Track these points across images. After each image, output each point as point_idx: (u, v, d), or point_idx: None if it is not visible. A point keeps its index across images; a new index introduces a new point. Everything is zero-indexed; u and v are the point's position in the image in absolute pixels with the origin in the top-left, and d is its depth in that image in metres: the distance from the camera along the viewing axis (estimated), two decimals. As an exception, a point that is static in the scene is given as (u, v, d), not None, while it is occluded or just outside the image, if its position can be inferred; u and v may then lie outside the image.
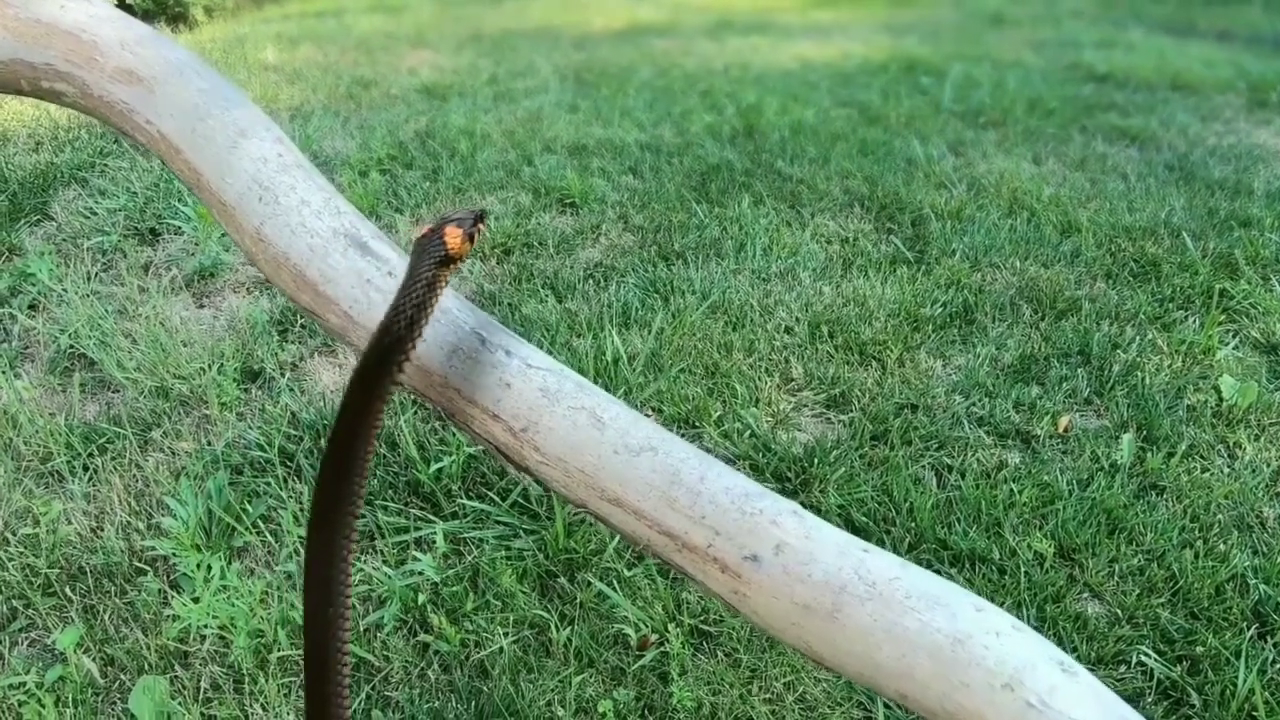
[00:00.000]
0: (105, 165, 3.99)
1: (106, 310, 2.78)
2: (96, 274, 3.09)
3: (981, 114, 4.74)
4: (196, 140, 0.73)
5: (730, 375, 2.41)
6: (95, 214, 3.52)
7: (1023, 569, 1.80)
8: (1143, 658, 1.63)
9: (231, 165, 0.72)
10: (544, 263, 3.10)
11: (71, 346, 2.61)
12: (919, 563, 1.80)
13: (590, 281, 2.96)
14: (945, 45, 7.01)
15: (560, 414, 0.67)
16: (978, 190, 3.65)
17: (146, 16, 6.82)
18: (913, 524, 1.92)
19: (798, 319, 2.69)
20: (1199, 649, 1.63)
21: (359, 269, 0.70)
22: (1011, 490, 2.00)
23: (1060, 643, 1.66)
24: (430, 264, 0.63)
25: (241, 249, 0.74)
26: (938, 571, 1.81)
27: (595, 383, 2.20)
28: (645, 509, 0.64)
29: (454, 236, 0.65)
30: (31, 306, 2.87)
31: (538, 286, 2.90)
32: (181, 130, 0.73)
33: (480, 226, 0.67)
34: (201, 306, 2.93)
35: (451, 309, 0.70)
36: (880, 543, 1.87)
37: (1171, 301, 2.79)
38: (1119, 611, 1.73)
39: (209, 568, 1.83)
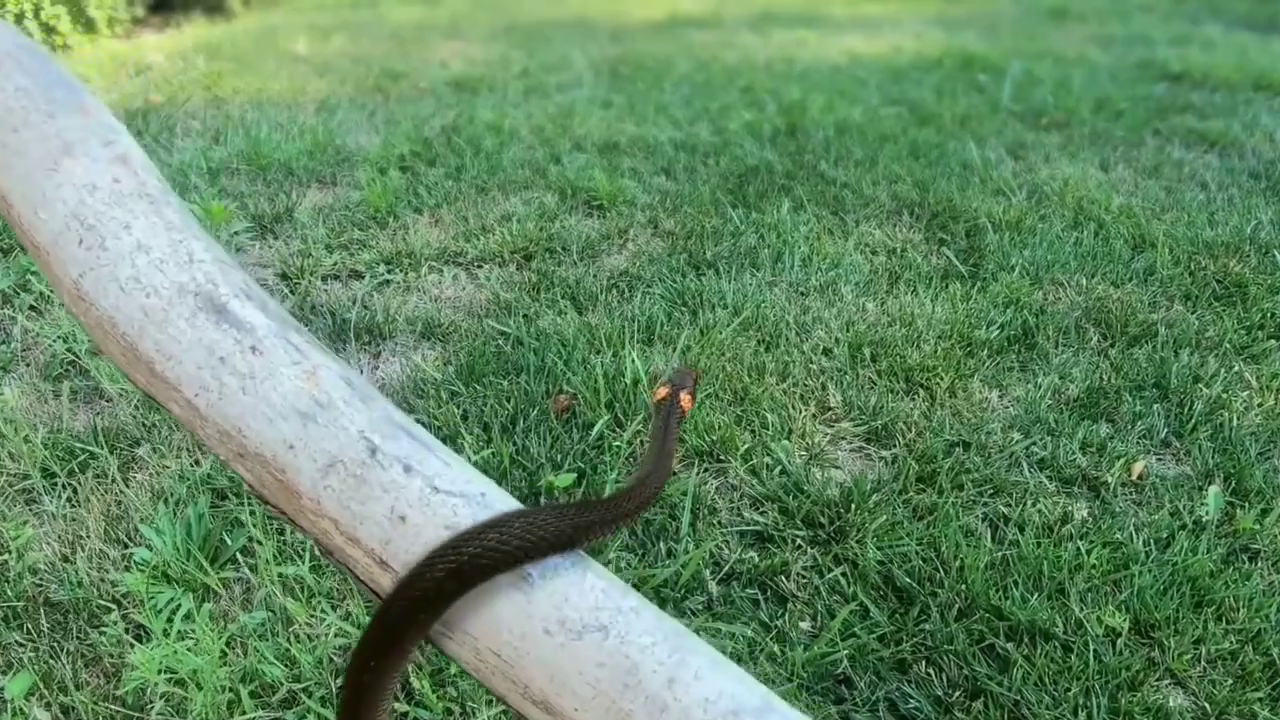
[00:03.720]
0: (126, 158, 3.89)
1: (106, 313, 2.65)
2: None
3: (1043, 114, 4.42)
4: (6, 157, 0.53)
5: (761, 402, 2.19)
6: (110, 209, 3.42)
7: (1092, 647, 1.55)
8: (1238, 768, 1.37)
9: (47, 194, 0.52)
10: (566, 270, 2.90)
11: (66, 352, 2.48)
12: (969, 634, 1.57)
13: (614, 292, 2.75)
14: (1004, 40, 6.64)
15: (473, 567, 0.46)
16: (1039, 198, 3.36)
17: (184, 6, 6.78)
18: (963, 586, 1.68)
19: (837, 339, 2.45)
20: (1307, 760, 1.37)
21: (210, 342, 0.50)
22: (1078, 550, 1.75)
23: (1137, 744, 1.42)
24: (675, 422, 0.83)
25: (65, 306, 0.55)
26: (990, 647, 1.57)
27: (611, 407, 1.98)
28: (586, 724, 0.43)
29: (686, 400, 0.87)
30: (33, 308, 2.76)
31: (557, 296, 2.70)
32: (-11, 144, 0.54)
33: (696, 385, 0.91)
34: (206, 310, 2.79)
35: (336, 402, 0.50)
36: (925, 608, 1.64)
37: (1261, 329, 2.49)
38: (1207, 705, 1.47)
39: (178, 607, 1.67)
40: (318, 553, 1.81)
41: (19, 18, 5.38)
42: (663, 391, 0.90)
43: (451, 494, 0.48)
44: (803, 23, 7.19)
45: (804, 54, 5.95)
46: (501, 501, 0.49)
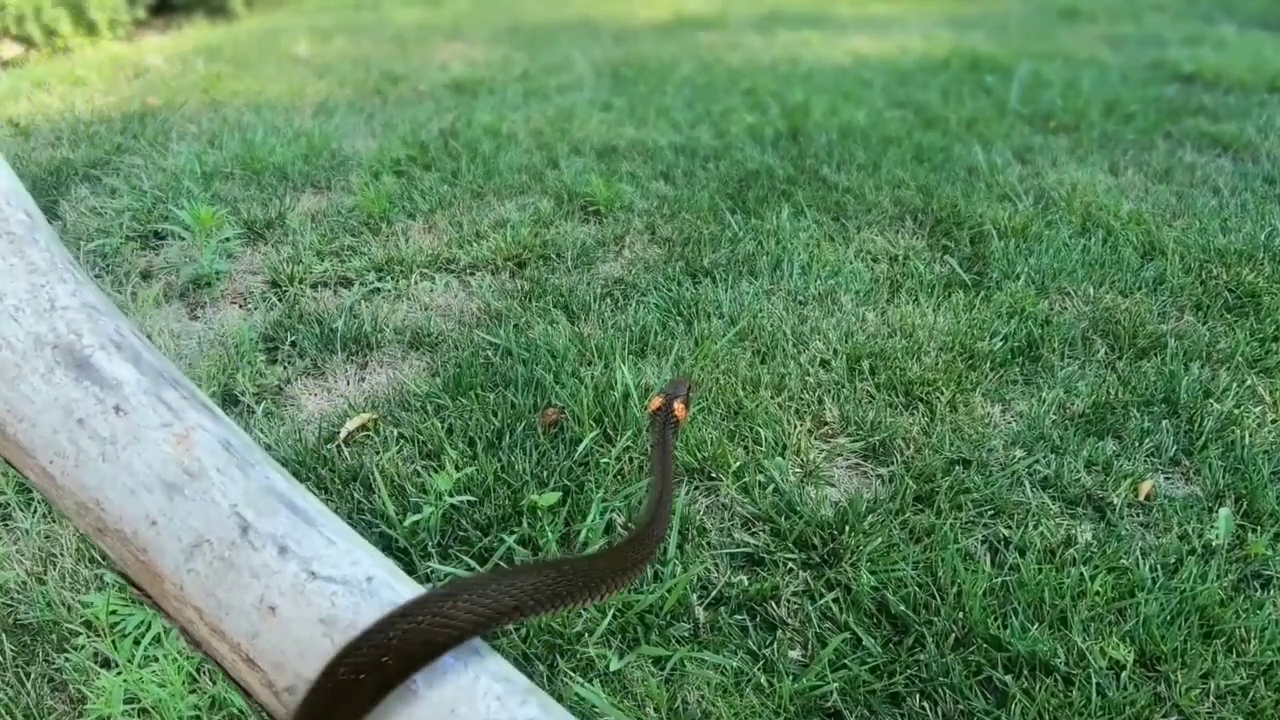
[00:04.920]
0: (120, 162, 3.87)
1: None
2: (103, 278, 2.93)
3: (1052, 117, 4.33)
4: None
5: (755, 417, 2.12)
6: (102, 214, 3.38)
7: (1095, 681, 1.48)
8: (1248, 814, 1.30)
9: (-109, 232, 0.46)
10: (559, 278, 2.84)
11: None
12: (966, 665, 1.50)
13: (608, 300, 2.69)
14: (1013, 40, 6.55)
15: (350, 669, 0.40)
16: (1046, 204, 3.28)
17: (186, 8, 6.76)
18: (960, 614, 1.61)
19: (835, 351, 2.38)
20: (1322, 806, 1.30)
21: (68, 401, 0.45)
22: (1081, 575, 1.67)
23: (1141, 787, 1.35)
24: (670, 433, 0.89)
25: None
26: (988, 680, 1.50)
27: (601, 421, 1.92)
28: None
29: (680, 410, 0.91)
30: (19, 314, 2.72)
31: (549, 305, 2.64)
32: None
33: (690, 394, 0.96)
34: (195, 318, 2.74)
35: (209, 470, 0.44)
36: (920, 637, 1.57)
37: (1275, 341, 2.40)
38: (1216, 745, 1.40)
39: (148, 627, 1.62)
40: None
41: (19, 20, 5.36)
42: (657, 402, 0.95)
43: (331, 580, 0.42)
44: (809, 23, 7.11)
45: (809, 55, 5.88)
46: (392, 586, 0.43)
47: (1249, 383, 2.24)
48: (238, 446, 0.46)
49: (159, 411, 0.45)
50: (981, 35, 6.74)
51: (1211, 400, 2.17)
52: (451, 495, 1.85)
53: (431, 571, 1.71)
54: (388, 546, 1.80)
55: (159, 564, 0.43)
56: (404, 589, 0.43)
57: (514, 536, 1.77)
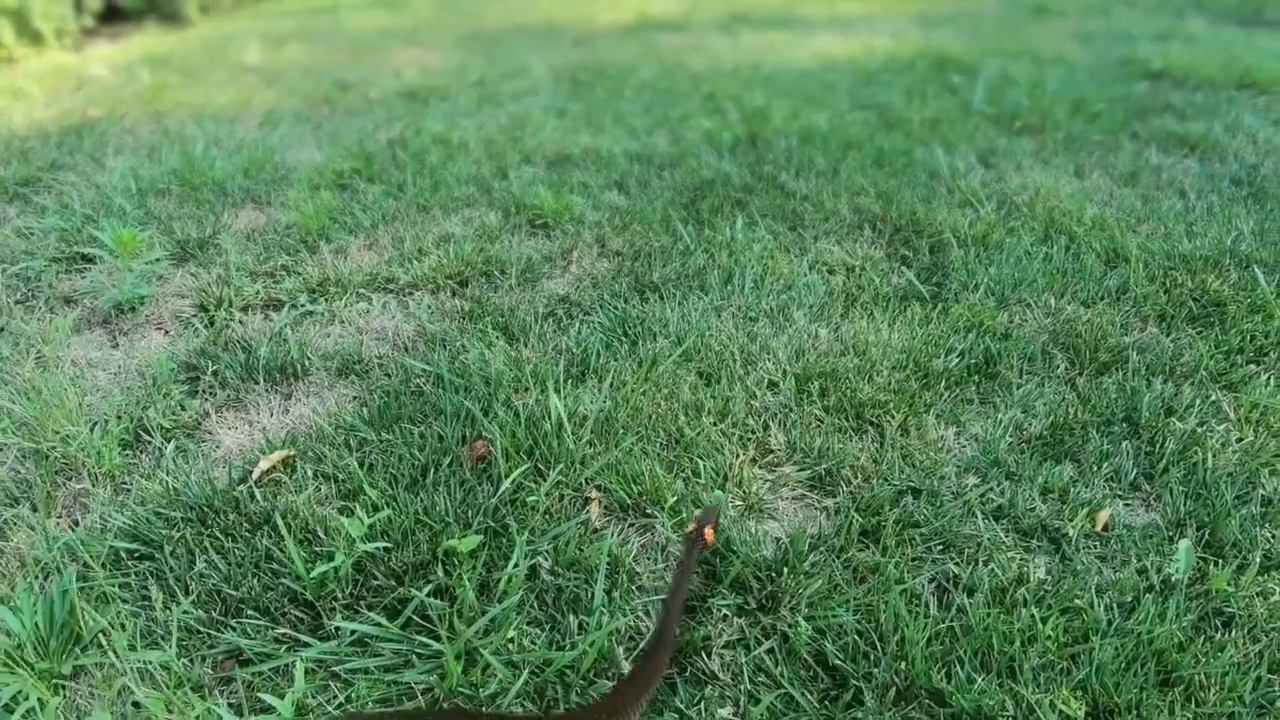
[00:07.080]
0: (53, 179, 3.72)
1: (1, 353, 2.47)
2: (10, 306, 2.78)
3: (1017, 117, 4.24)
4: None
5: (696, 446, 2.01)
6: (29, 235, 3.23)
7: (1043, 738, 1.37)
8: None
9: None
10: (502, 296, 2.72)
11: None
12: (907, 724, 1.38)
13: (550, 321, 2.58)
14: (982, 38, 6.47)
15: None
16: (1009, 210, 3.19)
17: (138, 15, 6.57)
18: (902, 665, 1.50)
19: (785, 371, 2.27)
20: None
21: None
22: (1033, 618, 1.57)
23: None
24: (697, 553, 1.36)
25: None
26: (930, 739, 1.39)
27: (532, 454, 1.79)
28: None
29: (709, 535, 1.35)
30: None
31: (488, 326, 2.52)
32: None
33: (718, 520, 1.46)
34: (115, 346, 2.60)
35: None
36: (858, 691, 1.46)
37: (1240, 353, 2.31)
38: (1172, 809, 1.30)
39: (26, 699, 1.49)
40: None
41: (-43, 31, 5.17)
42: (692, 526, 1.12)
43: None
44: (775, 24, 7.01)
45: (773, 57, 5.77)
46: None
47: (1213, 398, 2.15)
48: None
49: None
50: (950, 34, 6.66)
51: (1174, 419, 2.07)
52: (365, 541, 1.72)
53: (338, 629, 1.59)
54: (294, 599, 1.67)
55: None
56: None
57: (429, 587, 1.65)
